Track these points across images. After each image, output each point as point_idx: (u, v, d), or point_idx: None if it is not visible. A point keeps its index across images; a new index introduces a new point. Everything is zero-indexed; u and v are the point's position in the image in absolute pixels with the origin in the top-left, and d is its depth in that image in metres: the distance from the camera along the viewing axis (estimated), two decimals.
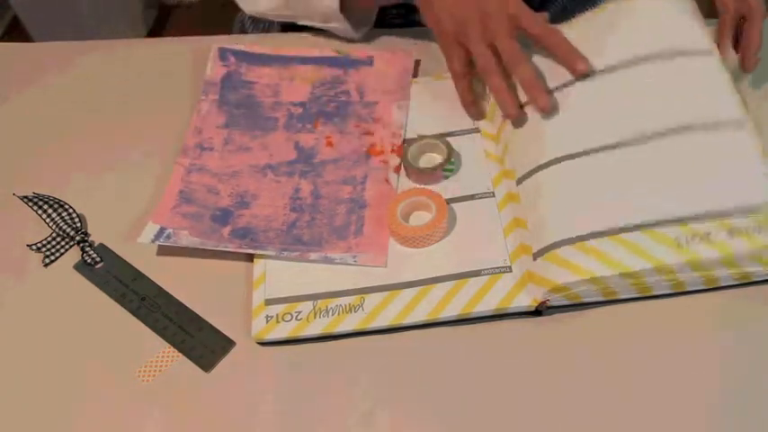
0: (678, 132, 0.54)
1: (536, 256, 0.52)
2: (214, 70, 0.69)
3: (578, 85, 0.57)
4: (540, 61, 0.60)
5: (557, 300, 0.51)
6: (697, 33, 0.58)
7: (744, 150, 0.53)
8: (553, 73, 0.59)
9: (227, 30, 0.86)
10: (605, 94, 0.57)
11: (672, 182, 0.52)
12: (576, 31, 0.59)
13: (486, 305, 0.51)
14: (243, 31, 0.84)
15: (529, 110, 0.59)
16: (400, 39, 0.73)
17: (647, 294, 0.52)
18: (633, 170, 0.54)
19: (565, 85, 0.58)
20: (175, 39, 0.75)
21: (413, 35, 0.74)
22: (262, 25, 0.82)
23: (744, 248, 0.49)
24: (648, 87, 0.56)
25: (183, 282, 0.55)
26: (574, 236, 0.51)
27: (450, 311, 0.51)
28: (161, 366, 0.51)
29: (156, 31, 1.85)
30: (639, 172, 0.53)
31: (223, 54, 0.70)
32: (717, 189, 0.51)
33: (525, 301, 0.51)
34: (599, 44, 0.58)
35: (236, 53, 0.71)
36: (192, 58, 0.72)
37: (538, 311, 0.52)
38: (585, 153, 0.55)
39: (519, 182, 0.57)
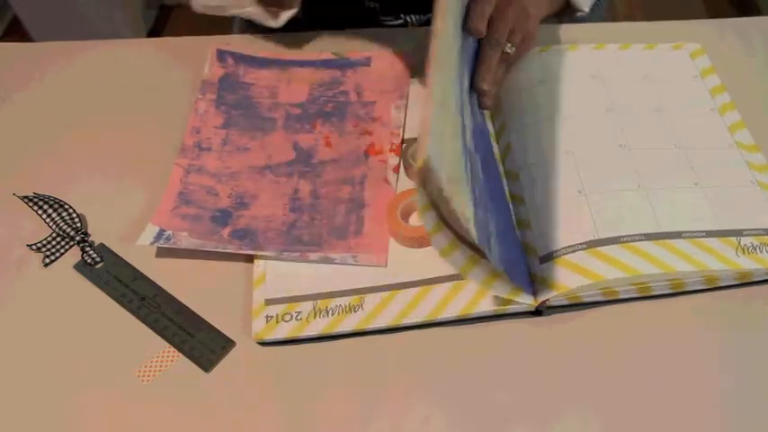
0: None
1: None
2: (212, 71, 0.69)
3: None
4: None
5: (557, 300, 0.51)
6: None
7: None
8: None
9: (226, 30, 0.86)
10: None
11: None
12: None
13: (486, 305, 0.51)
14: (242, 31, 0.84)
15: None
16: (399, 39, 0.73)
17: (647, 294, 0.52)
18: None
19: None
20: (175, 39, 0.75)
21: (411, 35, 0.74)
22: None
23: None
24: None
25: (182, 282, 0.55)
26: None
27: (451, 311, 0.51)
28: (161, 366, 0.51)
29: (156, 31, 1.85)
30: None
31: (221, 56, 0.70)
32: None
33: (525, 300, 0.51)
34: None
35: (234, 55, 0.71)
36: (192, 58, 0.72)
37: (538, 311, 0.52)
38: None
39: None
